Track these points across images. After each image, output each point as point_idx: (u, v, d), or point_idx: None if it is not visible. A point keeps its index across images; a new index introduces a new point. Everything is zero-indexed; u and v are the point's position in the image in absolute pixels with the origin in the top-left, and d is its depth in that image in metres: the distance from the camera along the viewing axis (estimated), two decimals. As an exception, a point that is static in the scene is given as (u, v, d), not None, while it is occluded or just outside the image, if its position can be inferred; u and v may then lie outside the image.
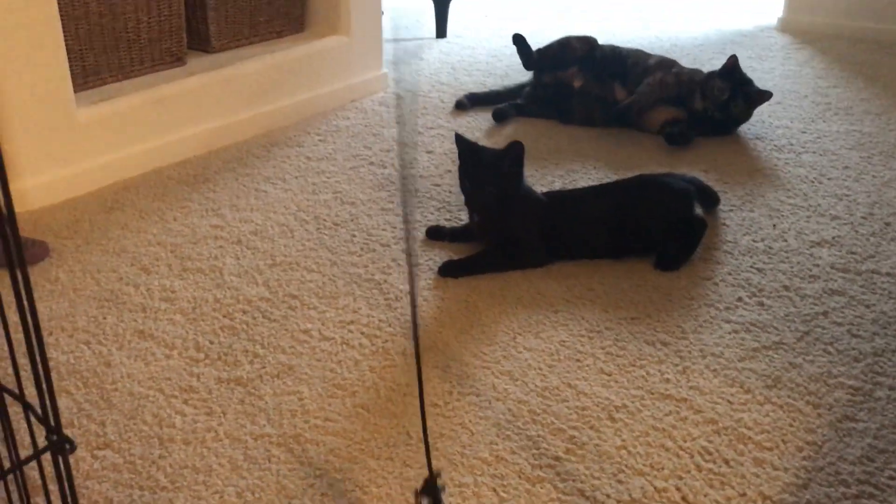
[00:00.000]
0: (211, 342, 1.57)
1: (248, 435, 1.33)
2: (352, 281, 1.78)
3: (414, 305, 1.45)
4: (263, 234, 1.96)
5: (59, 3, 2.03)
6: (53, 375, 1.41)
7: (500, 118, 2.68)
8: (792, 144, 2.52)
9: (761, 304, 1.70)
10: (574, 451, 1.30)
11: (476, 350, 1.55)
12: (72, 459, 0.97)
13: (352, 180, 2.25)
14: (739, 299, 1.72)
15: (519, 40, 2.79)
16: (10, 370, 1.37)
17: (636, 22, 3.99)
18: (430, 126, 2.65)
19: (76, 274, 1.79)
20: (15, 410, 0.95)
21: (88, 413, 1.38)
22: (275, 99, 2.62)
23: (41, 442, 0.82)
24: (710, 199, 2.06)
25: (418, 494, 1.07)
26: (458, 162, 1.83)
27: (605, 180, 2.21)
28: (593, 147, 2.50)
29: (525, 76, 2.88)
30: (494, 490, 1.23)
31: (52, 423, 0.74)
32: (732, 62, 2.49)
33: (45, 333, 1.53)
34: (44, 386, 0.72)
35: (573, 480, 1.25)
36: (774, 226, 2.02)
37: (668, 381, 1.47)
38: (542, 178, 2.25)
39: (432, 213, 2.07)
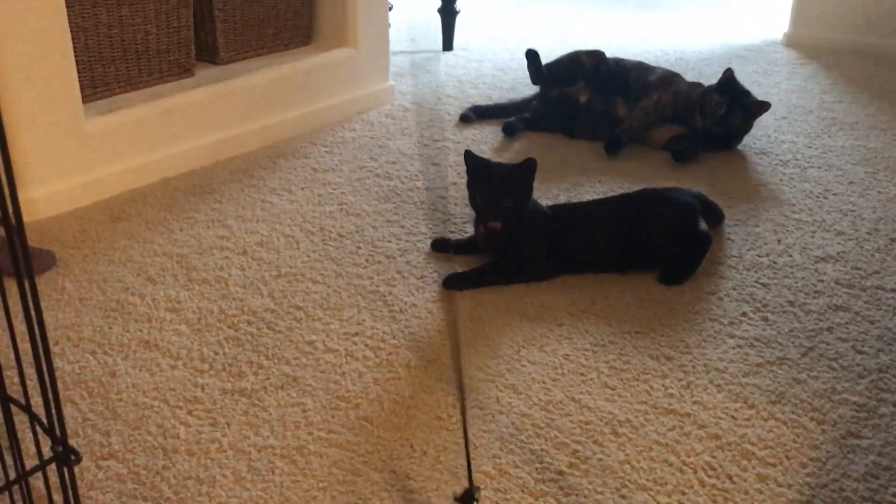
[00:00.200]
0: (216, 353, 1.57)
1: (252, 446, 1.33)
2: (356, 293, 1.78)
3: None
4: (269, 245, 1.97)
5: (68, 14, 2.04)
6: (58, 385, 1.42)
7: (509, 132, 2.69)
8: (797, 159, 2.52)
9: (766, 319, 1.70)
10: (577, 466, 1.30)
11: (480, 363, 1.55)
12: (76, 469, 0.97)
13: (357, 192, 2.26)
14: (744, 314, 1.72)
15: (532, 56, 2.80)
16: (16, 380, 1.38)
17: (643, 36, 4.00)
18: (435, 138, 2.66)
19: (82, 284, 1.79)
20: (20, 420, 0.95)
21: (93, 423, 1.38)
22: (282, 110, 2.63)
23: (46, 452, 0.83)
24: (716, 216, 2.06)
25: (456, 500, 1.11)
26: (465, 176, 1.83)
27: (610, 194, 2.21)
28: (598, 161, 2.50)
29: (530, 90, 2.89)
30: (497, 504, 1.23)
31: (58, 434, 0.75)
32: (728, 75, 2.49)
33: (50, 343, 1.54)
34: (50, 397, 0.72)
35: (576, 495, 1.25)
36: (779, 241, 2.02)
37: (671, 395, 1.47)
38: (547, 192, 2.25)
39: (438, 226, 2.08)
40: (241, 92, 2.50)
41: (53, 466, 0.81)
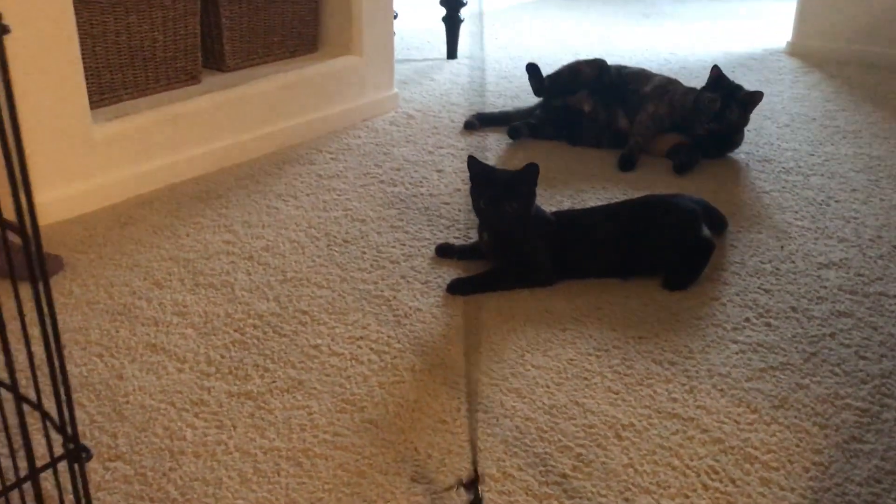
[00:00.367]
0: (222, 356, 1.58)
1: (258, 448, 1.34)
2: (361, 297, 1.79)
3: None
4: (275, 251, 1.98)
5: (77, 21, 2.07)
6: (66, 387, 1.43)
7: (514, 135, 2.71)
8: (800, 167, 2.54)
9: (769, 324, 1.71)
10: (581, 469, 1.31)
11: (484, 367, 1.56)
12: (85, 469, 0.98)
13: (362, 198, 2.28)
14: (747, 320, 1.73)
15: (532, 69, 2.82)
16: (23, 383, 1.39)
17: (646, 44, 4.02)
18: (440, 146, 2.67)
19: (90, 288, 1.81)
20: (30, 421, 0.96)
21: (101, 425, 1.39)
22: (287, 117, 2.65)
23: (57, 452, 0.84)
24: (719, 224, 2.07)
25: (461, 484, 1.14)
26: (468, 182, 1.85)
27: (614, 200, 2.22)
28: (602, 167, 2.52)
29: (534, 98, 2.91)
30: (501, 506, 1.24)
31: (69, 431, 0.76)
32: (716, 73, 2.50)
33: (59, 346, 1.55)
34: (62, 394, 0.74)
35: (580, 498, 1.25)
36: (782, 247, 2.03)
37: (675, 400, 1.47)
38: (551, 198, 2.27)
39: (441, 231, 2.09)
40: (247, 99, 2.52)
41: (63, 468, 0.82)
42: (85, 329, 1.66)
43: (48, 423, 0.83)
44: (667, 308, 1.77)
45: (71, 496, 0.85)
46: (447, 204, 2.25)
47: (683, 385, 1.52)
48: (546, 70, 2.84)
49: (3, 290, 1.72)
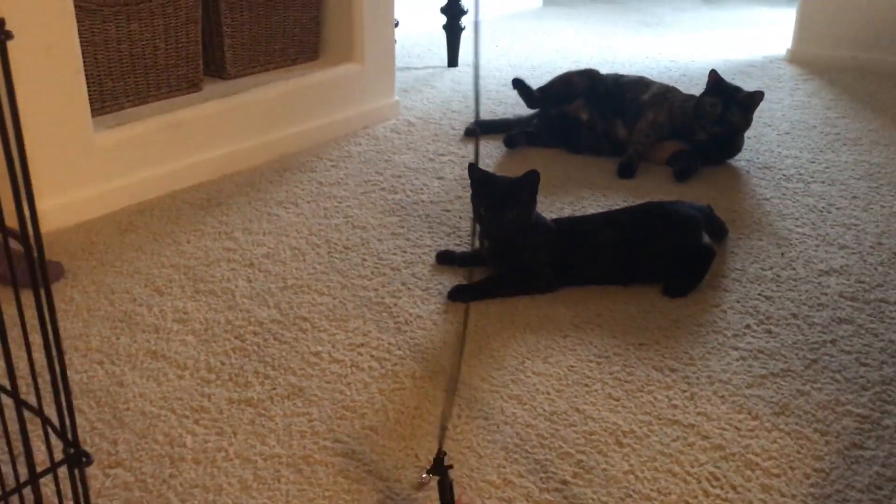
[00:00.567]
0: (222, 363, 1.58)
1: (258, 455, 1.34)
2: (362, 304, 1.79)
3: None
4: (275, 258, 1.98)
5: (78, 29, 2.07)
6: (67, 394, 1.43)
7: (511, 144, 2.71)
8: (801, 174, 2.54)
9: (769, 331, 1.71)
10: (581, 476, 1.31)
11: (485, 374, 1.56)
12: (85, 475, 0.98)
13: (363, 205, 2.28)
14: (747, 326, 1.73)
15: (518, 84, 2.83)
16: (24, 389, 1.39)
17: (647, 52, 4.03)
18: (440, 153, 2.68)
19: (90, 295, 1.81)
20: (30, 427, 0.97)
21: (101, 432, 1.39)
22: (288, 125, 2.65)
23: (57, 457, 0.84)
24: (719, 231, 2.07)
25: (427, 472, 1.20)
26: (469, 190, 1.85)
27: (614, 207, 2.22)
28: (602, 175, 2.52)
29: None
30: (502, 513, 1.23)
31: (70, 436, 0.76)
32: (714, 77, 2.51)
33: (59, 352, 1.55)
34: (62, 399, 0.74)
35: (581, 504, 1.25)
36: (783, 254, 2.03)
37: (675, 406, 1.47)
38: (551, 205, 2.27)
39: (442, 238, 2.09)
40: (248, 106, 2.52)
41: (63, 474, 0.82)
42: (86, 336, 1.66)
43: (48, 429, 0.83)
44: (667, 315, 1.77)
45: (71, 502, 0.85)
46: (448, 211, 2.25)
47: (684, 392, 1.52)
48: (544, 78, 2.85)
49: (5, 296, 1.72)
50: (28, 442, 0.82)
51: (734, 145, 2.58)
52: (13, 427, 0.92)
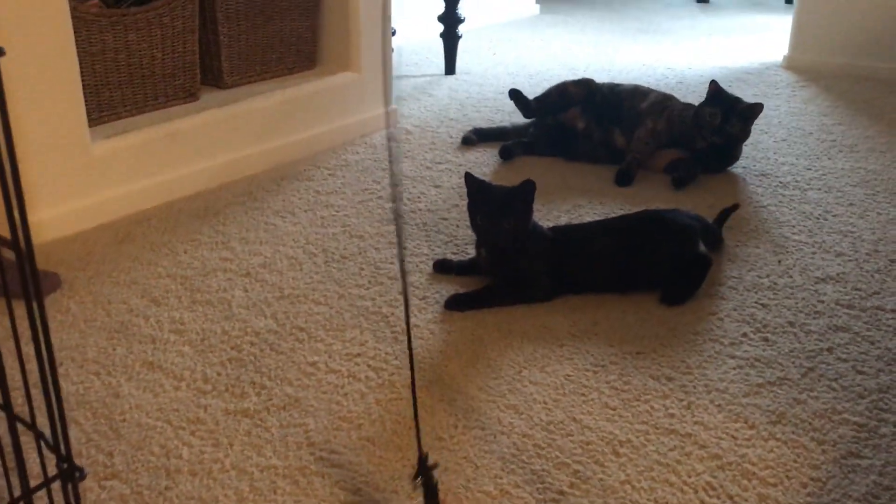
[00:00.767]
0: (219, 374, 1.58)
1: (255, 466, 1.34)
2: (359, 314, 1.79)
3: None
4: (272, 267, 1.98)
5: (76, 39, 2.08)
6: (63, 405, 1.43)
7: (506, 156, 2.71)
8: (797, 181, 2.54)
9: (766, 339, 1.71)
10: (578, 486, 1.31)
11: (481, 383, 1.56)
12: (79, 489, 0.98)
13: (360, 214, 2.28)
14: (744, 335, 1.73)
15: (515, 94, 2.84)
16: (19, 400, 1.39)
17: (644, 60, 4.04)
18: (438, 161, 2.68)
19: (87, 305, 1.81)
20: (24, 441, 0.96)
21: (97, 443, 1.39)
22: (285, 134, 2.66)
23: (51, 472, 0.84)
24: (714, 241, 2.07)
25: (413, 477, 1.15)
26: (466, 199, 1.85)
27: (611, 215, 2.23)
28: (599, 183, 2.52)
29: (532, 113, 2.92)
30: (498, 524, 1.23)
31: (63, 451, 0.76)
32: (714, 87, 2.51)
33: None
34: (56, 414, 0.74)
35: (577, 515, 1.25)
36: (779, 262, 2.04)
37: (672, 416, 1.47)
38: (548, 213, 2.27)
39: (439, 247, 2.09)
40: (245, 116, 2.53)
41: (57, 487, 0.82)
42: (82, 347, 1.66)
43: (42, 443, 0.83)
44: (664, 323, 1.76)
45: (65, 516, 0.85)
46: (445, 220, 2.25)
47: (681, 401, 1.51)
48: (541, 86, 2.85)
49: None
50: (21, 456, 0.82)
51: (732, 154, 2.59)
52: (7, 441, 0.92)
